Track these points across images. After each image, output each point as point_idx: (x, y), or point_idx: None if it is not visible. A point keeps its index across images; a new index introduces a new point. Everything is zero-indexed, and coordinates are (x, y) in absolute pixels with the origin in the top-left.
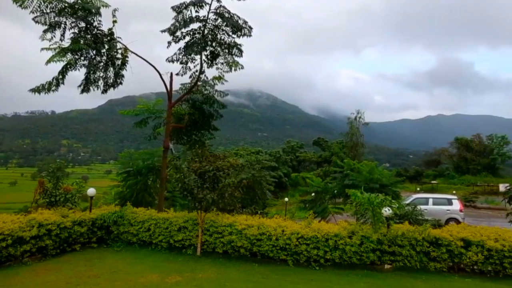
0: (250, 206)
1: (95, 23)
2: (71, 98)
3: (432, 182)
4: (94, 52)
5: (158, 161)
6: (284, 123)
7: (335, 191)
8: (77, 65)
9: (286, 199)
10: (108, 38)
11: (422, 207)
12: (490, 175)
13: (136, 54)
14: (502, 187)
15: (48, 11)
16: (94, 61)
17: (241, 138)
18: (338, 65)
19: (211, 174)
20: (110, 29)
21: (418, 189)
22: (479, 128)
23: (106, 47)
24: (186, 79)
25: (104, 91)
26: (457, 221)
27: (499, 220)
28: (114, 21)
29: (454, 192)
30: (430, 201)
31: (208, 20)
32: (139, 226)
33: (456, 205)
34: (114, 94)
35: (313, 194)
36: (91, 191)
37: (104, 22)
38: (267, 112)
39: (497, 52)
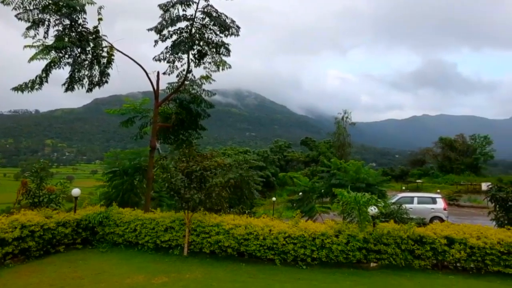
0: (237, 206)
1: (80, 21)
2: (55, 97)
3: (417, 181)
4: (78, 50)
5: (145, 161)
6: (272, 123)
7: (322, 191)
8: (61, 63)
9: (274, 198)
10: (93, 36)
11: (407, 206)
12: (473, 174)
13: (122, 53)
14: (484, 186)
15: (32, 8)
16: (79, 59)
17: (229, 138)
18: (325, 65)
19: (198, 174)
20: (95, 27)
21: (403, 188)
22: (462, 128)
23: (91, 45)
24: (173, 78)
25: (89, 89)
26: (441, 220)
27: (481, 218)
28: (100, 19)
29: (438, 191)
30: (415, 200)
31: (195, 19)
32: (125, 227)
33: (440, 203)
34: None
35: (300, 193)
36: (75, 191)
37: (89, 20)
38: (255, 112)
39: (480, 54)
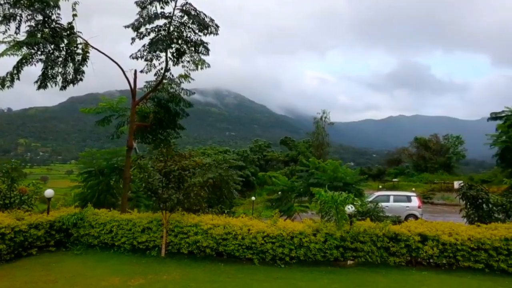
0: (217, 206)
1: (54, 16)
2: (29, 95)
3: (394, 180)
4: (52, 46)
5: (122, 161)
6: (251, 123)
7: (301, 190)
8: (34, 60)
9: (253, 198)
10: (68, 32)
11: (384, 204)
12: (446, 173)
13: (98, 50)
14: (456, 184)
15: (2, 2)
16: (52, 56)
17: (209, 137)
18: (304, 66)
19: (176, 173)
20: (69, 23)
21: (380, 187)
22: (436, 129)
23: (65, 41)
24: (151, 76)
25: (63, 87)
26: (416, 217)
27: (453, 216)
28: (74, 15)
29: (413, 189)
30: (391, 198)
31: (173, 17)
32: (101, 228)
33: (415, 202)
34: (75, 91)
35: (279, 193)
36: (48, 192)
37: (64, 16)
38: (234, 112)
39: (452, 56)
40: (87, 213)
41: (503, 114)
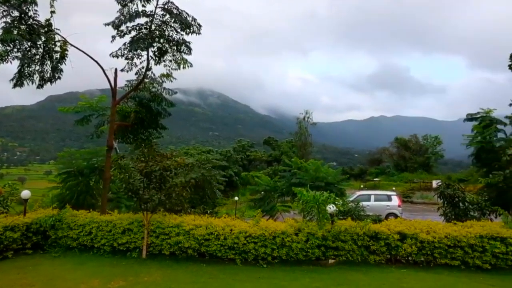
0: (199, 206)
1: (31, 13)
2: (5, 93)
3: (375, 179)
4: (29, 43)
5: (102, 161)
6: (235, 123)
7: (284, 190)
8: (9, 57)
9: (236, 198)
10: (45, 29)
11: (365, 203)
12: (425, 172)
13: (77, 48)
14: (434, 184)
15: None
16: (29, 53)
17: (192, 137)
18: (287, 67)
19: (157, 174)
20: (47, 20)
21: (362, 186)
22: (415, 129)
23: (43, 39)
24: (132, 75)
25: (40, 85)
26: (396, 216)
27: (431, 214)
28: (52, 12)
29: (393, 188)
30: (372, 197)
31: (155, 16)
32: (80, 230)
33: (395, 201)
34: (54, 89)
35: (262, 192)
36: (25, 193)
37: (42, 13)
38: (218, 111)
39: (430, 58)
40: (65, 214)
41: (478, 116)
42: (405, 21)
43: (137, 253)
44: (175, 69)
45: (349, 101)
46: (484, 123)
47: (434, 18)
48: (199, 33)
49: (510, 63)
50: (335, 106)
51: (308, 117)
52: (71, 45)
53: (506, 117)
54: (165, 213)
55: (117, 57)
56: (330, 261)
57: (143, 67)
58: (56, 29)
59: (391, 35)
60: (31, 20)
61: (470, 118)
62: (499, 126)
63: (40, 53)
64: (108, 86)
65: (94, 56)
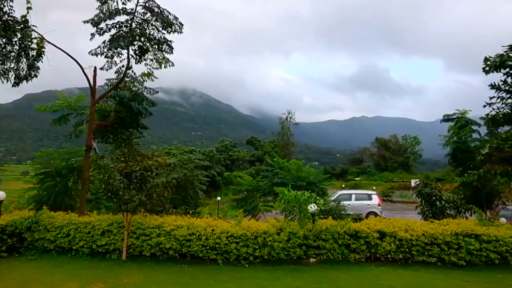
0: (181, 206)
1: (6, 9)
2: None
3: (356, 179)
4: (3, 40)
5: (81, 161)
6: (218, 122)
7: (266, 189)
8: None
9: (219, 198)
10: (21, 26)
11: (346, 202)
12: (404, 171)
13: (54, 45)
14: (413, 183)
15: None
16: (4, 50)
17: (175, 137)
18: (269, 67)
19: (138, 174)
20: (23, 16)
21: (343, 186)
22: (395, 129)
23: (19, 35)
24: (112, 74)
25: (16, 84)
26: (376, 215)
27: (410, 212)
28: (29, 8)
29: (374, 188)
30: (353, 196)
31: (136, 14)
32: (57, 232)
33: (375, 200)
34: (32, 88)
35: (244, 192)
36: (0, 194)
37: (17, 9)
38: (201, 111)
39: (409, 60)
40: (42, 216)
41: (454, 116)
42: (385, 23)
43: (116, 255)
44: (157, 68)
45: (331, 102)
46: (460, 123)
47: (413, 21)
48: (181, 32)
49: (484, 66)
50: (317, 106)
51: (291, 117)
52: (49, 42)
53: (481, 118)
54: (146, 214)
55: (97, 55)
56: (312, 260)
57: (123, 66)
58: (33, 25)
59: (371, 37)
60: (6, 16)
61: (446, 119)
62: (474, 127)
63: (15, 50)
64: (87, 85)
65: (72, 54)
